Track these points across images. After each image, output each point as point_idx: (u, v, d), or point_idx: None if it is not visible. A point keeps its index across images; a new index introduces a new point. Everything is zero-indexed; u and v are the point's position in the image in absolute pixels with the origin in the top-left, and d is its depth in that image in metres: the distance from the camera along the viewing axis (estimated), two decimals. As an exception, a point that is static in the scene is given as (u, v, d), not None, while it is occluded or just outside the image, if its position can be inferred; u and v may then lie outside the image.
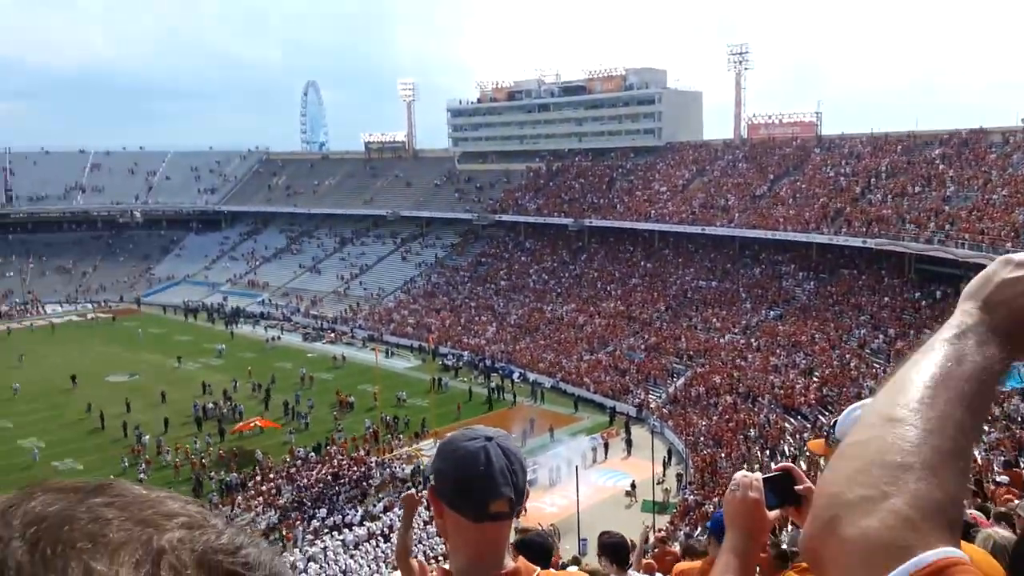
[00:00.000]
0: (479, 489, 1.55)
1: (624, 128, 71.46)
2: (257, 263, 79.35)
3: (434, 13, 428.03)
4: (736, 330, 46.81)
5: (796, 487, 1.74)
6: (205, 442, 37.12)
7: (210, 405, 41.52)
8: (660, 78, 71.74)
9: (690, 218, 57.91)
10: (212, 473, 33.72)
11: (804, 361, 40.54)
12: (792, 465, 1.79)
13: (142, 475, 32.63)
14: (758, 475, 1.68)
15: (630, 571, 5.58)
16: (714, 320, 48.61)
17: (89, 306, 72.84)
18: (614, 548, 5.26)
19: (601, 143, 72.72)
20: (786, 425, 34.82)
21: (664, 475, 32.99)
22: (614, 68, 72.50)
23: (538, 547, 4.25)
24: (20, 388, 45.14)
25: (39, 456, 35.14)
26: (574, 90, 75.36)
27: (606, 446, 36.40)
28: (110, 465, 33.88)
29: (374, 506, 30.83)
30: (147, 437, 36.95)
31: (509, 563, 1.65)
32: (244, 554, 0.63)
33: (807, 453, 29.45)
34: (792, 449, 31.62)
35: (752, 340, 44.96)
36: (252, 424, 37.82)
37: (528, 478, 1.73)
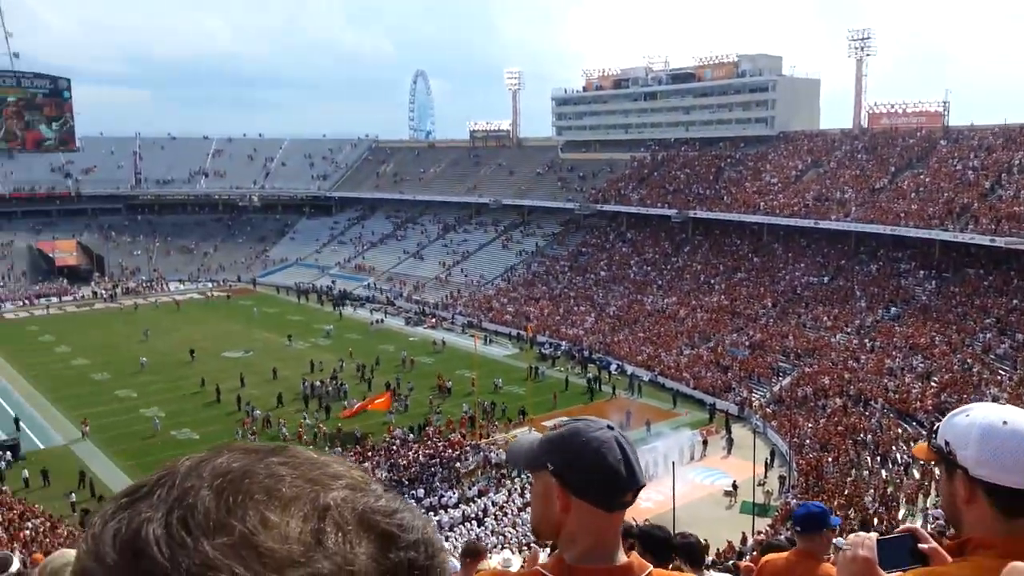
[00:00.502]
0: (616, 478, 1.57)
1: (735, 117, 69.39)
2: (364, 248, 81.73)
3: (541, 1, 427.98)
4: (849, 329, 44.69)
5: (920, 546, 1.63)
6: (314, 418, 38.42)
7: (317, 383, 43.04)
8: (775, 64, 69.21)
9: (802, 211, 55.62)
10: (312, 448, 34.78)
11: (922, 365, 38.30)
12: (916, 527, 1.69)
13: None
14: (873, 535, 1.64)
15: (708, 572, 5.42)
16: (825, 318, 46.58)
17: (209, 285, 76.95)
18: (688, 549, 5.13)
19: (709, 132, 70.91)
20: (899, 431, 33.03)
21: (766, 477, 31.90)
22: (726, 54, 70.57)
23: (660, 540, 4.20)
24: (148, 363, 47.79)
25: (160, 426, 37.23)
26: (683, 77, 73.71)
27: (705, 443, 35.56)
28: (225, 436, 35.48)
29: (469, 489, 31.20)
30: (257, 411, 38.64)
31: (622, 556, 1.65)
32: (400, 517, 0.70)
33: (921, 462, 27.85)
34: (904, 456, 30.02)
35: (866, 341, 42.82)
36: (359, 409, 38.15)
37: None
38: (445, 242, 78.27)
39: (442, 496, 30.36)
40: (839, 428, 33.83)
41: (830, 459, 31.23)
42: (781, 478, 31.95)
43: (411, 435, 36.15)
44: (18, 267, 75.53)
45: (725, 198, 62.31)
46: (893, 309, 45.55)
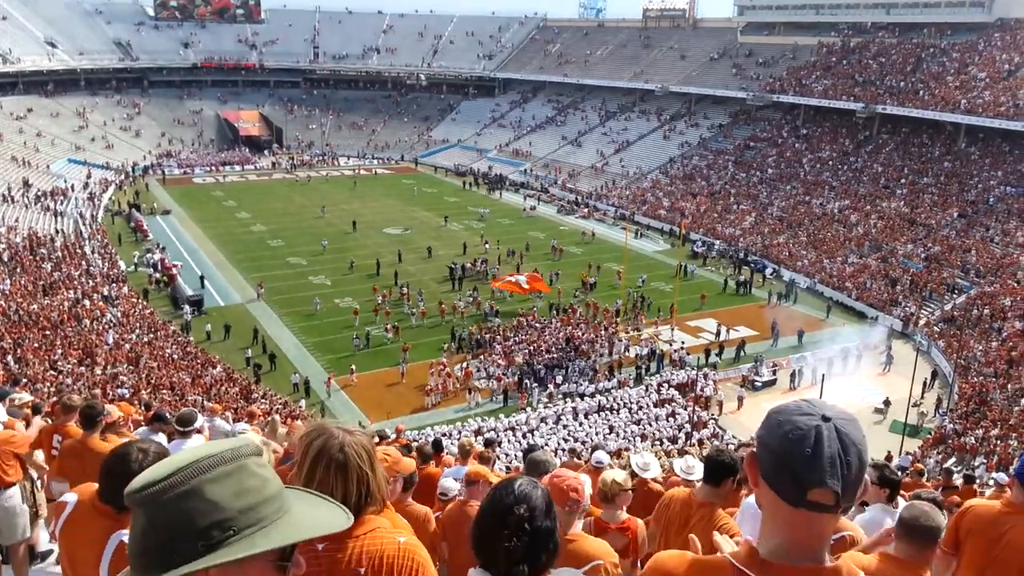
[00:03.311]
0: (801, 472, 1.43)
1: (945, -1, 61.35)
2: (523, 132, 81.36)
3: None
4: (1045, 248, 39.96)
5: None
6: (469, 297, 39.27)
7: (468, 264, 44.21)
8: (1005, -63, 59.94)
9: (1011, 111, 49.20)
10: (456, 327, 35.67)
11: None
12: None
13: (412, 320, 36.02)
14: None
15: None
16: (1018, 234, 41.84)
17: (375, 161, 79.97)
18: (893, 485, 4.92)
19: (913, 16, 63.44)
20: (1089, 366, 29.68)
21: (922, 397, 29.98)
22: (944, -75, 61.76)
23: (896, 484, 4.63)
24: (328, 244, 48.59)
25: (320, 305, 37.93)
26: (890, -48, 65.69)
27: (860, 358, 33.73)
28: (381, 306, 37.57)
29: (607, 380, 31.50)
30: (406, 288, 40.25)
31: (828, 560, 1.52)
32: None
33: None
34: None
35: (1065, 262, 38.21)
36: (507, 286, 38.24)
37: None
38: (605, 130, 76.32)
39: (579, 384, 30.90)
40: (1013, 354, 30.87)
41: (998, 386, 28.73)
42: (939, 399, 29.92)
43: (554, 319, 36.54)
44: (207, 134, 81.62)
45: (921, 93, 56.13)
46: (1106, 229, 40.12)
